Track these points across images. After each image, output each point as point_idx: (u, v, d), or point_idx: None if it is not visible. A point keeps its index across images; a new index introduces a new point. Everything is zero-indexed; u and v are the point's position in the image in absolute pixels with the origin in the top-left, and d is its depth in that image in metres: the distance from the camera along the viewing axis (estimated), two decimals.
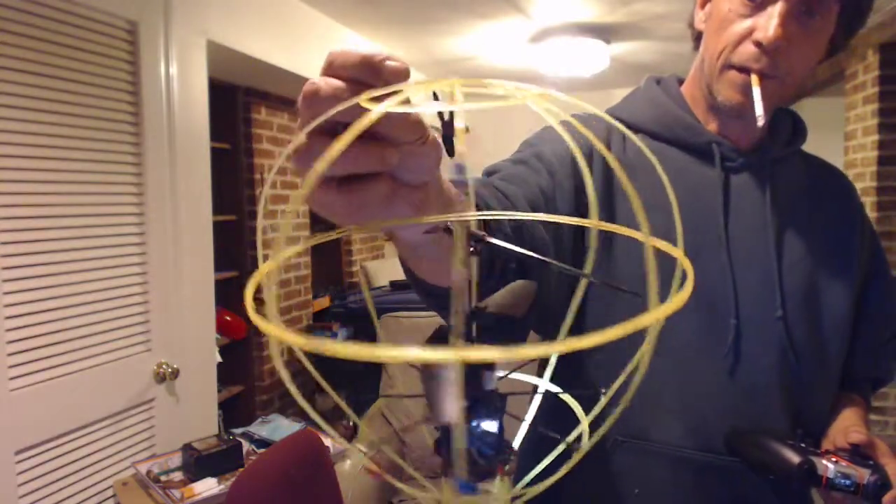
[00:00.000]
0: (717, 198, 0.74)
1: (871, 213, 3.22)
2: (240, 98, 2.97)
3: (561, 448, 0.32)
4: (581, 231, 0.70)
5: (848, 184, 0.85)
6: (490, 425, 0.28)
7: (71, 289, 1.57)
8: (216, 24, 2.13)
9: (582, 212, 0.70)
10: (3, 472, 1.41)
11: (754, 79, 0.68)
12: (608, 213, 0.72)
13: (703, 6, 0.78)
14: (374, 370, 2.64)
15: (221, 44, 2.16)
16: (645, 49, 3.62)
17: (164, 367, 1.82)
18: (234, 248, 3.04)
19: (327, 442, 1.96)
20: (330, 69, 0.28)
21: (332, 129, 0.28)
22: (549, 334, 0.74)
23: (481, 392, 0.27)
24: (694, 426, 0.71)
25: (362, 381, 3.05)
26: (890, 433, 3.25)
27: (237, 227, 3.03)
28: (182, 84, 1.92)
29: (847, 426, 0.76)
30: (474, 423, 0.27)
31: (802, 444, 0.69)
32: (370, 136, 0.27)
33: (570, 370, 0.74)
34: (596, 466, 0.73)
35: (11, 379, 1.43)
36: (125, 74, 1.72)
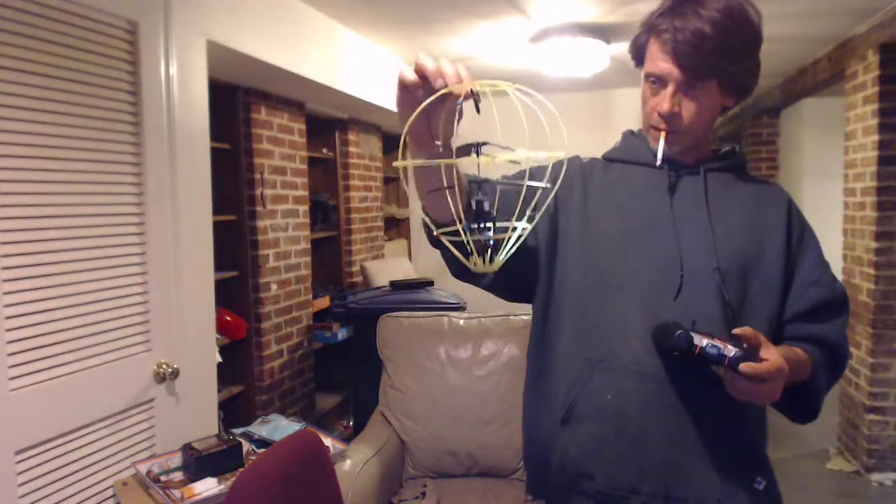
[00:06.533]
0: (666, 194, 1.08)
1: (872, 213, 3.20)
2: (240, 98, 2.96)
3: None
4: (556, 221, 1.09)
5: (780, 191, 1.14)
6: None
7: (71, 289, 1.57)
8: (216, 24, 2.13)
9: (552, 210, 1.08)
10: (3, 472, 1.41)
11: (662, 135, 1.04)
12: (584, 210, 1.08)
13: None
14: (374, 369, 2.64)
15: (221, 44, 2.16)
16: None
17: (164, 367, 1.82)
18: (234, 248, 3.04)
19: (327, 442, 1.96)
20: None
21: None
22: (539, 295, 1.11)
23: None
24: (651, 348, 0.98)
25: (363, 381, 3.06)
26: (890, 433, 3.25)
27: (237, 227, 3.02)
28: (182, 84, 1.92)
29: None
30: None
31: (694, 327, 0.90)
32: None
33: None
34: (580, 381, 1.03)
35: (11, 379, 1.43)
36: (125, 74, 1.72)
